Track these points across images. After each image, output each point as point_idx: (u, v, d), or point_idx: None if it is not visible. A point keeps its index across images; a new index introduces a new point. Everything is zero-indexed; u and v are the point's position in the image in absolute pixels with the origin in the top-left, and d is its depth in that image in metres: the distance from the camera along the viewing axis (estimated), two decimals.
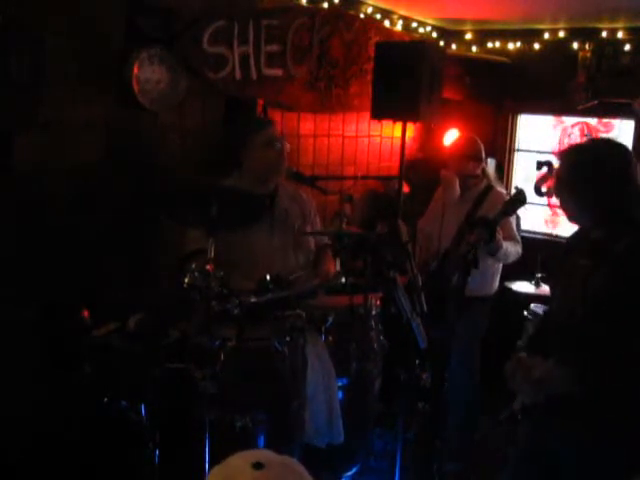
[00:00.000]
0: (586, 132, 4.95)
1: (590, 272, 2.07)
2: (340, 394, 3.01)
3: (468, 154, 3.76)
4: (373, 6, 4.24)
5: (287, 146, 3.07)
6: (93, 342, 2.59)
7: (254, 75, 3.56)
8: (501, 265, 3.74)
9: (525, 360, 2.15)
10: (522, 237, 3.67)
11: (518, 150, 5.31)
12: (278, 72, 3.71)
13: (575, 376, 2.01)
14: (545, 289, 4.21)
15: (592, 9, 4.11)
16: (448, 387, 2.72)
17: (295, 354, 2.52)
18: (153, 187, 3.06)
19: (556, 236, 5.05)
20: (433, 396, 2.83)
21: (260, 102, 3.74)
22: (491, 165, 4.38)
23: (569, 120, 5.07)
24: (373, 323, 3.28)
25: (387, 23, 4.38)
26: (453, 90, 4.71)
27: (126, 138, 3.23)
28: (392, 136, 4.82)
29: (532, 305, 4.19)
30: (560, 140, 5.11)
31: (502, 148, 5.25)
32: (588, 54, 4.53)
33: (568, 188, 2.16)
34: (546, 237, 5.11)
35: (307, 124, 4.20)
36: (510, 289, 4.37)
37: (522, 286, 4.42)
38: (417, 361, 2.65)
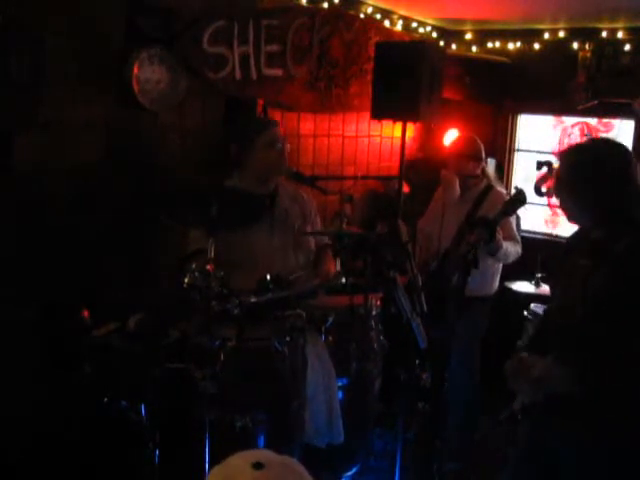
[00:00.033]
0: (586, 132, 4.95)
1: (590, 272, 2.07)
2: (340, 394, 3.01)
3: (468, 154, 3.76)
4: (373, 6, 4.24)
5: (288, 146, 3.08)
6: (93, 342, 2.59)
7: (254, 75, 3.56)
8: (501, 265, 3.75)
9: (526, 359, 2.15)
10: (522, 237, 3.67)
11: (518, 150, 5.31)
12: (278, 72, 3.71)
13: (575, 376, 2.01)
14: (545, 289, 4.21)
15: (592, 9, 4.11)
16: (448, 387, 2.72)
17: (295, 354, 2.52)
18: (153, 187, 3.06)
19: (556, 236, 5.05)
20: (433, 396, 2.84)
21: (260, 102, 3.74)
22: (491, 165, 4.38)
23: (569, 120, 5.07)
24: (373, 323, 3.28)
25: (387, 23, 4.38)
26: (453, 90, 4.71)
27: (126, 138, 3.23)
28: (392, 136, 4.82)
29: (532, 305, 4.18)
30: (560, 140, 5.11)
31: (502, 148, 5.25)
32: (588, 54, 4.53)
33: (568, 188, 2.16)
34: (546, 237, 5.11)
35: (307, 124, 4.21)
36: (510, 289, 4.37)
37: (522, 286, 4.42)
38: (417, 361, 2.65)
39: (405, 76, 3.51)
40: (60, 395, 2.74)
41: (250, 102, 3.68)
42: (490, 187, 3.77)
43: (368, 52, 4.09)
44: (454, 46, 4.96)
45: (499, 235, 3.18)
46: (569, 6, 4.08)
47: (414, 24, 4.60)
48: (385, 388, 3.39)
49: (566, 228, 3.71)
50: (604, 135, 4.82)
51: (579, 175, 2.12)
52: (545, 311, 2.52)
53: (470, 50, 4.96)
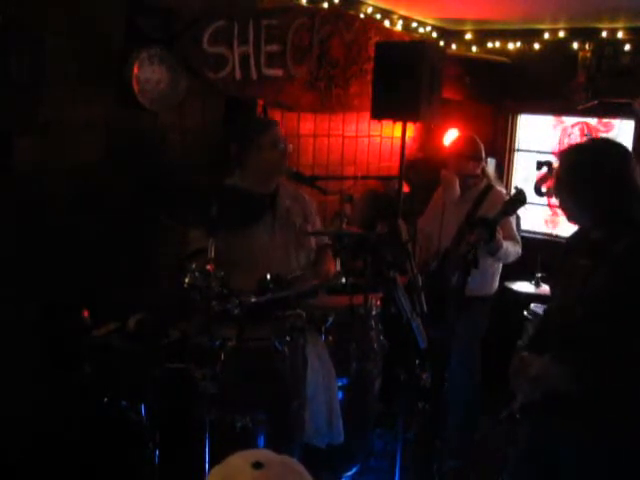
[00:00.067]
0: (586, 132, 4.95)
1: (590, 272, 2.07)
2: (340, 394, 3.01)
3: (468, 154, 3.76)
4: (373, 6, 4.24)
5: (289, 147, 3.08)
6: (93, 342, 2.59)
7: (254, 75, 3.56)
8: (501, 265, 3.75)
9: (527, 359, 2.15)
10: (522, 237, 3.68)
11: (518, 150, 5.31)
12: (278, 72, 3.71)
13: (572, 374, 2.01)
14: (545, 289, 4.21)
15: (592, 9, 4.11)
16: (448, 387, 2.73)
17: (295, 354, 2.52)
18: (153, 187, 3.06)
19: (556, 236, 5.05)
20: (433, 396, 2.84)
21: (260, 102, 3.74)
22: (491, 165, 4.38)
23: (569, 120, 5.07)
24: (373, 323, 3.28)
25: (387, 23, 4.38)
26: (453, 90, 4.71)
27: (126, 138, 3.23)
28: (392, 136, 4.82)
29: (532, 305, 4.18)
30: (560, 140, 5.11)
31: (502, 148, 5.25)
32: (588, 54, 4.53)
33: (567, 188, 2.16)
34: (546, 237, 5.11)
35: (307, 124, 4.20)
36: (510, 289, 4.37)
37: (522, 286, 4.42)
38: (417, 361, 2.65)
39: (405, 76, 3.51)
40: (60, 395, 2.74)
41: (250, 102, 3.68)
42: (490, 187, 3.78)
43: (368, 52, 4.09)
44: (454, 46, 4.96)
45: (499, 235, 3.18)
46: (569, 6, 4.08)
47: (414, 24, 4.60)
48: (385, 388, 3.39)
49: (566, 228, 3.71)
50: (604, 135, 4.82)
51: (579, 175, 2.12)
52: (545, 311, 2.52)
53: (470, 50, 4.96)
